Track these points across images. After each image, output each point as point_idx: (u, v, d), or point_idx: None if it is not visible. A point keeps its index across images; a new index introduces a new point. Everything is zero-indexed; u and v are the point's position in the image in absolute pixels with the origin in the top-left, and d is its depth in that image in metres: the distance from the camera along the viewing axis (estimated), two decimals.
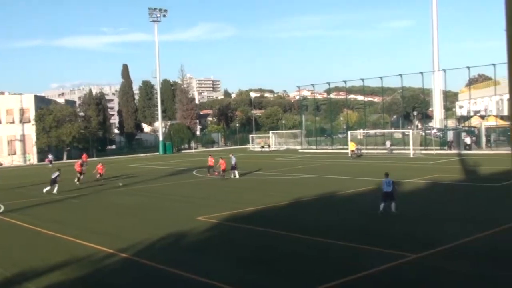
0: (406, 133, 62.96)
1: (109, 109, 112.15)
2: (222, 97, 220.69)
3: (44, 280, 13.77)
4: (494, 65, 58.34)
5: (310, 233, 17.69)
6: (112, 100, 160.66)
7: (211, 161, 40.99)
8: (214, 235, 18.75)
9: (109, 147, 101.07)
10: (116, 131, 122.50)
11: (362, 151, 61.32)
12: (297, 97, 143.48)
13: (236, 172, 38.02)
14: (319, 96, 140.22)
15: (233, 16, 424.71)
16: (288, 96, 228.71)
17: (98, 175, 39.52)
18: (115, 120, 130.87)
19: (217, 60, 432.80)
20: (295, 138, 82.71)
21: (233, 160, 38.83)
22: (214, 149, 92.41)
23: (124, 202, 28.14)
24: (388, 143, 59.20)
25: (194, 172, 44.46)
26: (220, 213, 22.61)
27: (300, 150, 69.54)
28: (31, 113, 79.94)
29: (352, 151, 54.51)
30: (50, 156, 68.80)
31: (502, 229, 17.10)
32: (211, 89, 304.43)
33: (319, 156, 58.93)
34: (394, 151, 57.37)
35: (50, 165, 60.25)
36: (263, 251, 15.96)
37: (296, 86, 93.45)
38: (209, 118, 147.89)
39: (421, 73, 66.45)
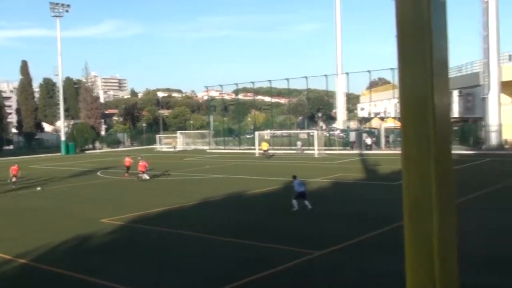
0: (311, 133, 64.73)
1: (6, 107, 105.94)
2: (129, 96, 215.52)
3: None
4: (392, 69, 61.38)
5: (217, 233, 17.72)
6: (9, 97, 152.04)
7: (128, 161, 39.95)
8: (120, 237, 18.29)
9: (6, 147, 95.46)
10: (14, 130, 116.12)
11: (270, 151, 62.34)
12: (205, 98, 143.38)
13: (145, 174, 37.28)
14: (227, 97, 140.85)
15: (140, 14, 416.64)
16: (196, 96, 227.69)
17: (14, 178, 34.71)
18: (13, 119, 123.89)
19: (123, 58, 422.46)
20: (203, 139, 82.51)
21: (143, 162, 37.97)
22: (120, 149, 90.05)
23: (24, 205, 26.71)
24: (299, 144, 60.42)
25: (98, 173, 43.08)
26: (127, 215, 22.07)
27: (208, 150, 69.48)
28: None
29: (265, 151, 55.05)
30: None
31: (397, 226, 18.02)
32: (117, 88, 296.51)
33: (227, 156, 59.19)
34: (304, 151, 58.51)
35: None
36: (171, 252, 15.78)
37: (204, 86, 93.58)
38: (115, 118, 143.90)
39: (326, 75, 68.73)
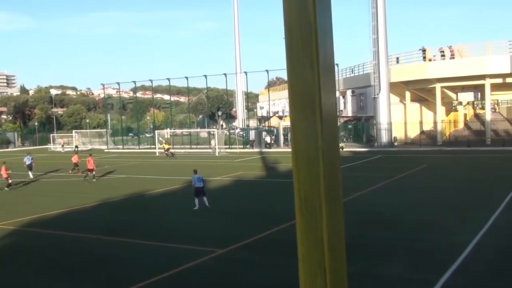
0: (212, 132, 64.92)
1: None
2: (18, 93, 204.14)
3: None
4: None
5: (119, 235, 17.33)
6: None
7: (75, 158, 39.84)
8: (10, 243, 17.34)
9: None
10: None
11: (171, 150, 61.75)
12: (102, 96, 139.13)
13: (30, 173, 36.69)
14: (125, 95, 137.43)
15: (29, 7, 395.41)
16: (93, 94, 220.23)
17: None
18: None
19: (11, 53, 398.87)
20: (101, 138, 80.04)
21: (29, 160, 37.56)
22: (9, 150, 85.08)
23: None
24: (213, 142, 59.97)
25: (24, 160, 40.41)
26: (19, 219, 20.94)
27: (106, 150, 67.50)
28: None
29: (166, 150, 54.08)
30: None
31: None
32: (5, 84, 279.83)
33: (126, 156, 57.87)
34: (216, 150, 57.88)
35: None
36: (68, 256, 15.19)
37: (101, 84, 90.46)
38: (4, 116, 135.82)
39: (225, 74, 69.09)
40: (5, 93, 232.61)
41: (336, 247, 1.56)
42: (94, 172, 34.61)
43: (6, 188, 30.72)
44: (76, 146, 72.74)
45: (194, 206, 21.61)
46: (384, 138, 54.79)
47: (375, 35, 53.45)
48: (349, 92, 66.75)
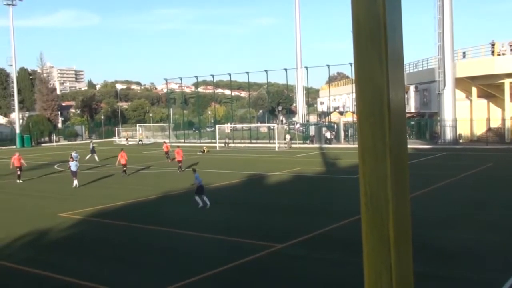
0: (272, 127, 65.01)
1: None
2: (86, 88, 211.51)
3: None
4: (351, 64, 62.13)
5: (178, 227, 17.67)
6: None
7: (167, 147, 43.83)
8: (78, 232, 18.02)
9: None
10: None
11: (231, 144, 62.38)
12: (165, 90, 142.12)
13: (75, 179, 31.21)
14: (187, 90, 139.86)
15: (97, 4, 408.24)
16: (156, 88, 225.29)
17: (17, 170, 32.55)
18: None
19: (80, 49, 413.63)
20: (163, 132, 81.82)
21: (76, 158, 34.65)
22: (77, 142, 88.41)
23: None
24: (288, 137, 59.97)
25: (56, 166, 42.20)
26: (85, 209, 21.76)
27: (168, 144, 68.92)
28: None
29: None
30: None
31: (357, 218, 18.37)
32: (74, 79, 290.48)
33: (188, 149, 58.86)
34: (291, 146, 57.77)
35: None
36: (130, 246, 15.65)
37: (164, 78, 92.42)
38: (72, 110, 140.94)
39: (285, 69, 69.02)
40: (73, 88, 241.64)
41: (403, 245, 1.53)
42: (181, 164, 35.79)
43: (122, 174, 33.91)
44: (140, 140, 74.77)
45: (198, 204, 21.53)
46: (449, 135, 53.19)
47: (441, 28, 51.89)
48: (412, 88, 65.20)
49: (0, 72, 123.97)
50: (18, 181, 31.98)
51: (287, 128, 69.36)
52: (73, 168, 29.43)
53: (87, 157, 45.29)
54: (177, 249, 15.14)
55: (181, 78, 78.84)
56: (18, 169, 32.41)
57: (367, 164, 1.50)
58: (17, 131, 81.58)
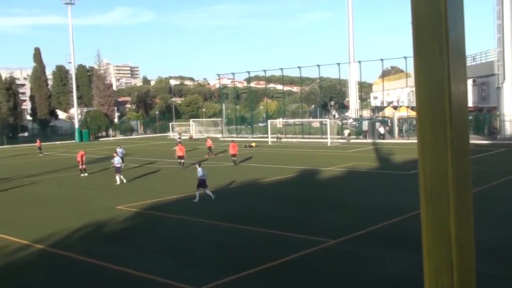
0: (324, 122, 64.55)
1: (20, 95, 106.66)
2: (141, 84, 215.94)
3: None
4: (405, 58, 60.95)
5: (232, 221, 17.81)
6: (23, 85, 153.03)
7: (209, 142, 44.62)
8: (134, 224, 18.46)
9: (21, 134, 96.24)
10: (28, 117, 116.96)
11: (283, 139, 62.36)
12: (217, 86, 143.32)
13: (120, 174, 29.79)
14: (239, 85, 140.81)
15: (151, 1, 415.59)
16: (209, 84, 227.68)
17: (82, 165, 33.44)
18: (27, 106, 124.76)
19: (135, 46, 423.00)
20: (216, 127, 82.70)
21: (121, 153, 34.18)
22: (133, 137, 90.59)
23: (40, 192, 27.01)
24: (346, 132, 59.54)
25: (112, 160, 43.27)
26: (141, 202, 22.27)
27: (221, 139, 69.53)
28: None
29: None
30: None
31: (411, 215, 18.01)
32: (129, 75, 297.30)
33: (240, 144, 59.22)
34: (350, 140, 57.31)
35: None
36: (184, 239, 15.91)
37: (216, 74, 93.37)
38: (128, 105, 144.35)
39: (338, 64, 68.29)
40: (129, 84, 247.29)
41: (465, 243, 1.48)
42: (235, 158, 36.47)
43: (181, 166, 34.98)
44: (179, 134, 75.78)
45: (194, 198, 22.07)
46: (508, 130, 51.35)
47: (500, 20, 50.07)
48: (470, 81, 63.28)
49: (60, 69, 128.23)
50: (82, 175, 33.01)
51: (340, 123, 68.71)
52: (117, 164, 29.30)
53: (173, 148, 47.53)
54: (230, 243, 15.28)
55: (233, 74, 79.48)
56: (80, 164, 33.51)
57: (427, 158, 1.46)
58: (76, 126, 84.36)
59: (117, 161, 29.48)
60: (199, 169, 23.03)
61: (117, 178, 28.69)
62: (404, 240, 14.88)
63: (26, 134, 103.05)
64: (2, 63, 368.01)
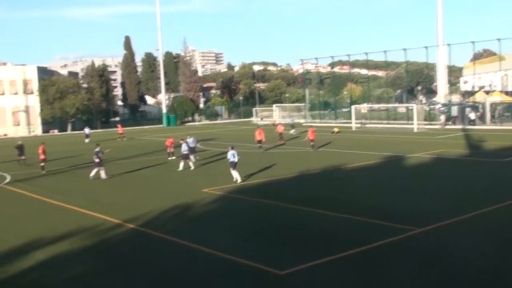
0: (410, 108, 62.68)
1: (112, 81, 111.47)
2: (226, 70, 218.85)
3: (52, 249, 13.94)
4: (499, 40, 57.84)
5: (315, 206, 17.76)
6: (115, 72, 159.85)
7: (280, 129, 44.06)
8: (219, 207, 18.88)
9: (112, 119, 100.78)
10: (119, 103, 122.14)
11: (367, 125, 61.26)
12: (301, 71, 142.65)
13: (192, 158, 30.13)
14: (322, 70, 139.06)
15: None
16: (292, 69, 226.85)
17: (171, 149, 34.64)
18: (118, 92, 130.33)
19: (220, 32, 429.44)
20: (299, 112, 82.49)
21: (192, 143, 31.78)
22: (217, 122, 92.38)
23: (130, 174, 28.20)
24: (442, 118, 57.79)
25: (198, 145, 44.39)
26: (226, 185, 22.72)
27: (304, 124, 69.32)
28: (34, 84, 79.76)
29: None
30: (87, 130, 55.56)
31: (507, 204, 17.17)
32: (214, 61, 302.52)
33: (323, 130, 58.79)
34: (445, 126, 55.45)
35: (87, 141, 52.19)
36: (267, 223, 16.08)
37: (300, 59, 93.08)
38: (213, 91, 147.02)
39: (426, 47, 65.97)
40: (214, 70, 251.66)
41: None
42: (313, 143, 36.44)
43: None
44: (261, 119, 76.36)
45: (233, 179, 23.69)
46: None
47: None
48: None
49: (148, 56, 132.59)
50: (169, 158, 34.07)
51: (427, 108, 66.43)
52: (184, 151, 29.06)
53: (291, 131, 52.05)
54: (314, 228, 15.26)
55: (317, 59, 78.90)
56: (169, 148, 34.62)
57: None
58: (164, 111, 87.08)
59: (184, 148, 29.40)
60: (231, 152, 24.06)
61: (181, 164, 28.78)
62: (496, 230, 14.23)
63: (117, 118, 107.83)
64: (95, 52, 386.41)
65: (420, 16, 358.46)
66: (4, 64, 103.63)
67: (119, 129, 58.32)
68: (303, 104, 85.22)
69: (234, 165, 23.90)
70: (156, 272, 11.96)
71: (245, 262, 12.10)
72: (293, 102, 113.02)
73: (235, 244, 13.90)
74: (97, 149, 26.84)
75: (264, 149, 36.79)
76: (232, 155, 23.98)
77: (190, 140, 31.50)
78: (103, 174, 26.50)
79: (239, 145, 41.42)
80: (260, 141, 37.38)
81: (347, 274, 11.36)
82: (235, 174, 23.84)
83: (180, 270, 12.05)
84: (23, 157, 33.81)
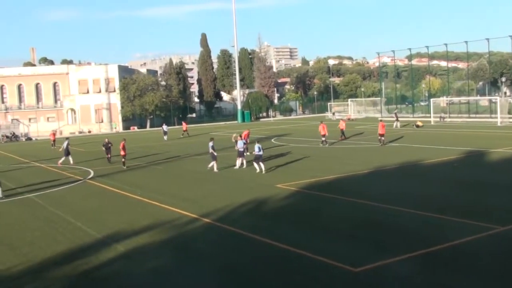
0: (493, 100, 59.93)
1: (189, 78, 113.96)
2: (300, 65, 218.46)
3: (132, 242, 14.48)
4: None
5: (390, 203, 17.40)
6: (191, 69, 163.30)
7: (342, 125, 42.62)
8: (293, 203, 18.89)
9: (189, 115, 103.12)
10: (196, 99, 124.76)
11: (446, 119, 59.20)
12: (377, 64, 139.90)
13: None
14: (399, 63, 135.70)
15: None
16: (367, 63, 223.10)
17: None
18: (194, 88, 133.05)
19: (294, 27, 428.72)
20: (375, 106, 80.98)
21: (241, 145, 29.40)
22: (292, 117, 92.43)
23: (204, 169, 28.76)
24: None
25: (272, 140, 44.69)
26: (299, 181, 22.69)
27: (380, 119, 68.05)
28: (116, 83, 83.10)
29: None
30: (165, 127, 55.91)
31: None
32: (288, 57, 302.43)
33: (407, 123, 57.36)
34: None
35: (165, 138, 53.02)
36: (341, 219, 15.89)
37: (376, 52, 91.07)
38: (287, 86, 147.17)
39: (510, 36, 62.68)
40: (288, 65, 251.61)
41: None
42: (383, 138, 35.84)
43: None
44: (333, 114, 75.42)
45: (256, 170, 25.77)
46: None
47: None
48: None
49: (224, 53, 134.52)
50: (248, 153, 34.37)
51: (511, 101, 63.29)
52: (240, 149, 28.62)
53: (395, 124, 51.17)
54: (391, 225, 14.93)
55: (393, 51, 76.98)
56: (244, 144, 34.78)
57: None
58: (239, 107, 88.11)
59: (240, 145, 29.04)
60: (257, 146, 26.15)
61: (238, 162, 28.51)
62: None
63: (193, 115, 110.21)
64: (173, 50, 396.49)
65: (503, 3, 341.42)
66: (89, 63, 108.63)
67: (183, 126, 59.12)
68: (378, 98, 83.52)
69: (258, 158, 26.02)
70: (231, 266, 12.15)
71: (319, 258, 12.04)
72: (368, 96, 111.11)
73: (309, 240, 13.86)
74: (211, 143, 28.08)
75: (329, 143, 37.06)
76: (258, 148, 26.09)
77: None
78: (215, 167, 27.46)
79: (312, 140, 41.20)
80: (324, 136, 37.36)
81: (425, 272, 11.03)
82: (259, 166, 25.82)
83: (255, 266, 12.18)
84: (109, 155, 34.06)
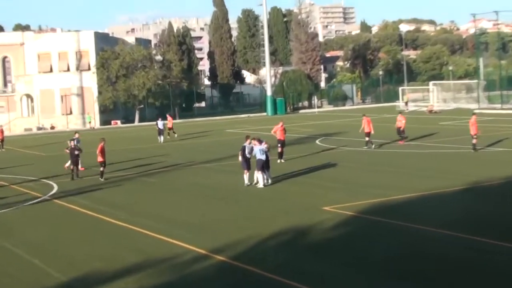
0: None
1: (196, 51, 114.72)
2: (358, 31, 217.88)
3: None
4: None
5: (487, 235, 17.05)
6: (200, 38, 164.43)
7: (401, 122, 41.03)
8: (346, 233, 18.70)
9: (197, 104, 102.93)
10: (206, 81, 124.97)
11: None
12: (472, 31, 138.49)
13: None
14: (506, 30, 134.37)
15: None
16: (458, 29, 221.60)
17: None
18: (204, 66, 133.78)
19: None
20: (469, 93, 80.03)
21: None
22: (346, 108, 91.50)
23: (216, 183, 28.68)
24: None
25: (317, 142, 44.40)
26: (356, 202, 22.50)
27: (476, 110, 67.18)
28: (91, 58, 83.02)
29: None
30: (160, 123, 53.69)
31: None
32: (341, 20, 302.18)
33: (508, 119, 56.64)
34: None
35: (161, 139, 52.32)
36: (415, 258, 15.63)
37: (471, 14, 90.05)
38: (339, 63, 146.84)
39: None
40: (341, 32, 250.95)
41: None
42: (476, 139, 34.97)
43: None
44: (406, 104, 74.17)
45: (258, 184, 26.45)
46: None
47: None
48: None
49: (247, 14, 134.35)
50: (278, 161, 34.11)
51: None
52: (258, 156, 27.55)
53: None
54: (477, 264, 14.64)
55: (496, 12, 75.97)
56: (280, 144, 34.66)
57: None
58: (268, 93, 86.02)
59: (257, 153, 28.59)
60: (258, 148, 26.36)
61: (259, 177, 27.37)
62: None
63: (203, 104, 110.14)
64: (174, 10, 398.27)
65: None
66: (53, 30, 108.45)
67: (169, 121, 55.51)
68: (475, 81, 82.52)
69: (261, 164, 26.10)
70: None
71: None
72: (459, 78, 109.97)
73: (369, 284, 13.68)
74: (250, 145, 27.60)
75: (376, 145, 37.29)
76: (260, 152, 25.67)
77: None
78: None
79: (382, 142, 40.85)
80: (368, 134, 37.49)
81: None
82: (261, 177, 26.28)
83: None
84: (73, 168, 32.42)
